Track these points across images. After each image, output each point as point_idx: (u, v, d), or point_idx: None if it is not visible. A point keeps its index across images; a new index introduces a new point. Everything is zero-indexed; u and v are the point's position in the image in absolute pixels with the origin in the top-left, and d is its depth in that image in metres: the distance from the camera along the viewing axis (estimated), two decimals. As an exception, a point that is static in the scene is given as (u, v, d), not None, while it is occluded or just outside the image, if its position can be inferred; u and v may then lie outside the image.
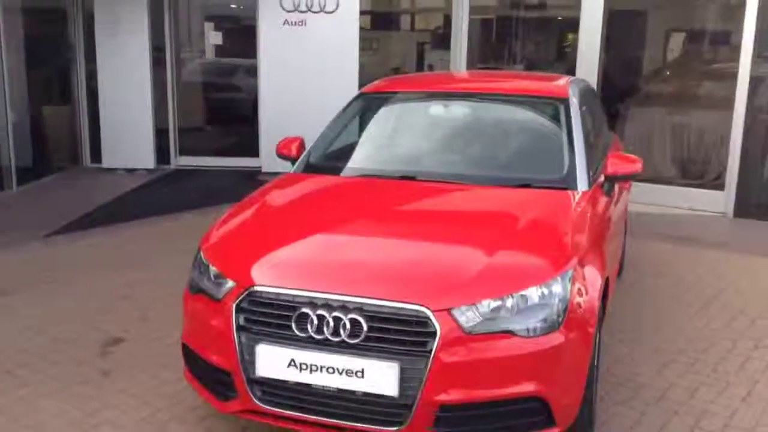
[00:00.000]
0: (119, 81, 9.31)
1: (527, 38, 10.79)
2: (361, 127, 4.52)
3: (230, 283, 2.99)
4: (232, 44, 10.80)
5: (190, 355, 3.22)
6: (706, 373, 3.93)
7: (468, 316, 2.70)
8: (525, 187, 3.63)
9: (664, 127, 8.28)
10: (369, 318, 2.72)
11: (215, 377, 3.03)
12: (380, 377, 2.69)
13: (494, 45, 11.09)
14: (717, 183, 7.73)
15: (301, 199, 3.86)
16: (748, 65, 7.28)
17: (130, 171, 9.47)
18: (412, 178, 3.81)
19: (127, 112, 9.37)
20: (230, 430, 3.33)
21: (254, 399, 2.89)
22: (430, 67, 11.18)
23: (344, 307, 2.75)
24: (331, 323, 2.75)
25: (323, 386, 2.78)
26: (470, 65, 9.36)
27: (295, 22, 9.23)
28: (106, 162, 9.55)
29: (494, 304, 2.74)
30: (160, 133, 9.76)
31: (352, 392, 2.75)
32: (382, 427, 2.75)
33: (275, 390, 2.87)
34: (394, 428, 2.72)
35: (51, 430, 3.33)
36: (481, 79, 5.60)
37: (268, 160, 9.54)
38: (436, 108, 4.50)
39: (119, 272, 5.45)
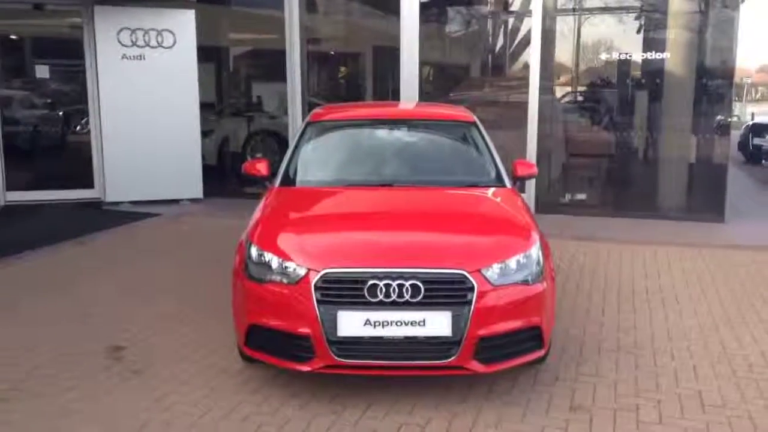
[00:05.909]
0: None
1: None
2: (321, 148, 5.43)
3: (301, 269, 3.82)
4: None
5: (260, 332, 3.95)
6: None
7: (490, 274, 3.85)
8: (474, 187, 4.91)
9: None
10: (424, 282, 3.75)
11: (294, 344, 3.82)
12: (437, 323, 3.73)
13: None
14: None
15: (317, 201, 4.75)
16: (536, 95, 9.31)
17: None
18: (390, 185, 4.86)
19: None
20: (283, 395, 4.05)
21: (333, 355, 3.75)
22: (259, 98, 12.10)
23: (402, 277, 3.74)
24: (396, 289, 3.72)
25: (392, 336, 3.74)
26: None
27: (134, 56, 9.60)
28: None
29: (502, 265, 3.93)
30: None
31: (415, 337, 3.75)
32: (439, 361, 3.78)
33: (352, 345, 3.77)
34: (450, 359, 3.77)
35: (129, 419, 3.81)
36: (403, 107, 6.75)
37: (112, 190, 9.75)
38: (382, 131, 5.58)
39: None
